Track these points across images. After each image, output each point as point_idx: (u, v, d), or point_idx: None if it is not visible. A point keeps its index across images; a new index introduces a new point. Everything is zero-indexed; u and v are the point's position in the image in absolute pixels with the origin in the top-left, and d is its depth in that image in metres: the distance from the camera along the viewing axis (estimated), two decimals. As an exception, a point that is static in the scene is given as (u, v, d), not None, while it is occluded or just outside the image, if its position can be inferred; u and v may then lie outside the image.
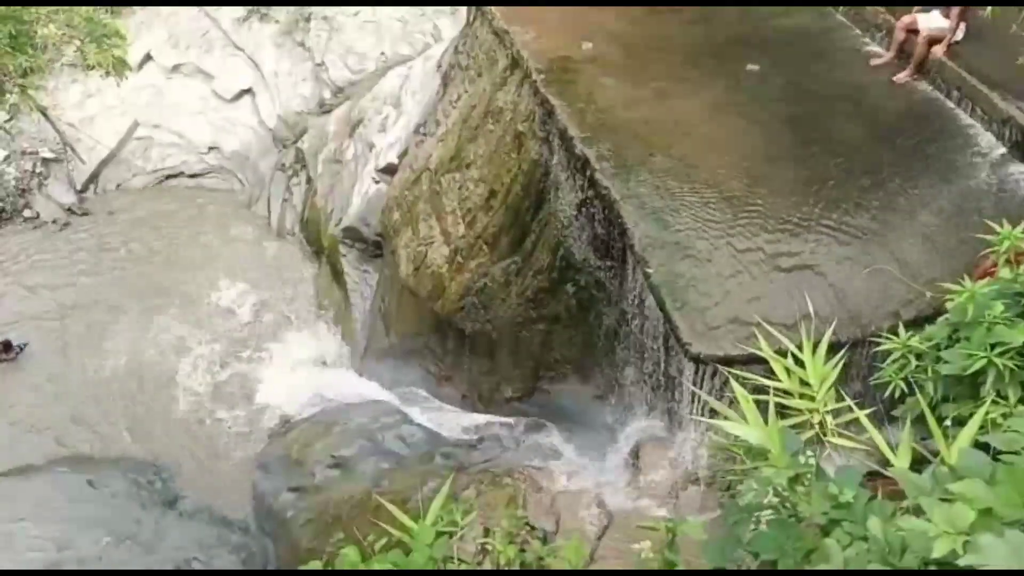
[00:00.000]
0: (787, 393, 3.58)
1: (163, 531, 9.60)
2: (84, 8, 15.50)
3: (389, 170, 12.23)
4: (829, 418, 3.45)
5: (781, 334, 4.42)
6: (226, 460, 10.89)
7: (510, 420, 9.11)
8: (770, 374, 3.66)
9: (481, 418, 9.60)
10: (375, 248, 12.44)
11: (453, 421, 9.85)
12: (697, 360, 6.05)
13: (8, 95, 15.31)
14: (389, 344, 11.42)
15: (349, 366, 11.76)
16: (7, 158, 15.36)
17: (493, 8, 9.62)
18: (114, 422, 11.51)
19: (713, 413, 5.65)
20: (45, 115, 15.16)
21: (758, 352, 3.97)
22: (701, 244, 6.76)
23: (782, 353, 3.74)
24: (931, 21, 8.17)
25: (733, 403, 3.44)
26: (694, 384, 6.21)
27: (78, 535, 9.31)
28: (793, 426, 3.36)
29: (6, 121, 15.52)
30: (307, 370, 11.96)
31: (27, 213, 15.20)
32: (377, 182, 12.46)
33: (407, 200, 10.92)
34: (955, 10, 7.95)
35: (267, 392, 11.62)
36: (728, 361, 5.62)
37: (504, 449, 8.63)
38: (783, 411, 3.48)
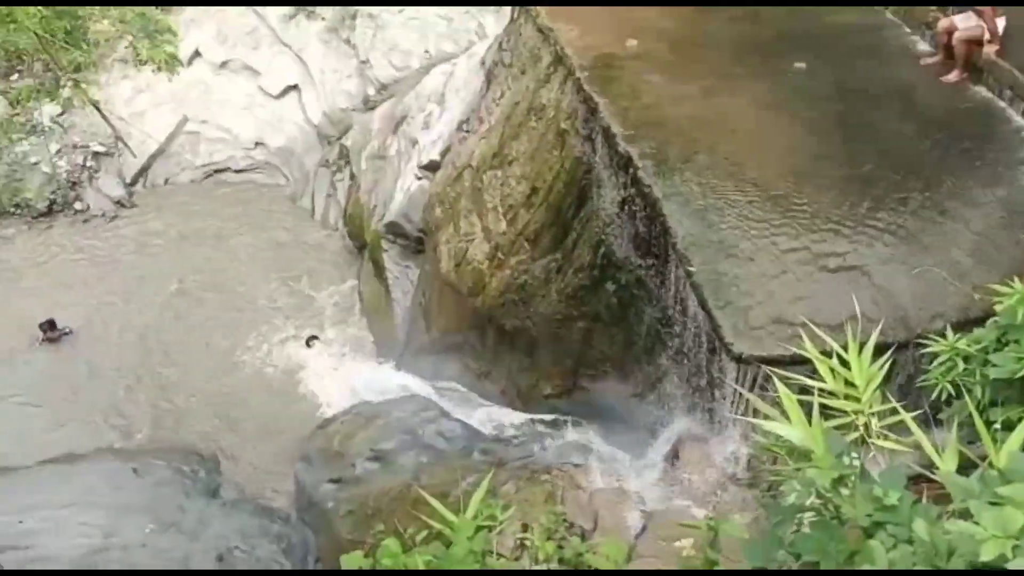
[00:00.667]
0: (831, 394, 3.54)
1: (206, 519, 9.77)
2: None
3: (432, 167, 12.31)
4: (874, 420, 3.41)
5: (826, 335, 4.36)
6: (268, 450, 11.06)
7: (549, 417, 9.13)
8: (813, 374, 3.62)
9: (520, 415, 9.63)
10: (417, 244, 12.52)
11: (492, 417, 9.89)
12: (739, 360, 5.99)
13: (61, 89, 15.69)
14: (429, 339, 11.50)
15: (389, 360, 11.86)
16: (59, 151, 15.74)
17: (538, 6, 9.62)
18: (155, 411, 11.76)
19: (755, 413, 5.61)
20: (98, 109, 15.47)
21: (802, 352, 3.92)
22: (745, 243, 6.69)
23: (827, 354, 3.69)
24: (964, 22, 8.06)
25: (776, 404, 3.41)
26: (735, 384, 6.16)
27: (123, 522, 9.51)
28: (837, 427, 3.32)
29: (59, 115, 15.90)
30: (348, 363, 12.11)
31: (78, 206, 15.58)
32: (419, 178, 12.54)
33: (449, 197, 10.98)
34: (984, 10, 7.85)
35: (309, 384, 11.81)
36: (771, 361, 5.56)
37: (542, 446, 8.64)
38: (827, 412, 3.44)
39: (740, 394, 6.12)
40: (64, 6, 14.51)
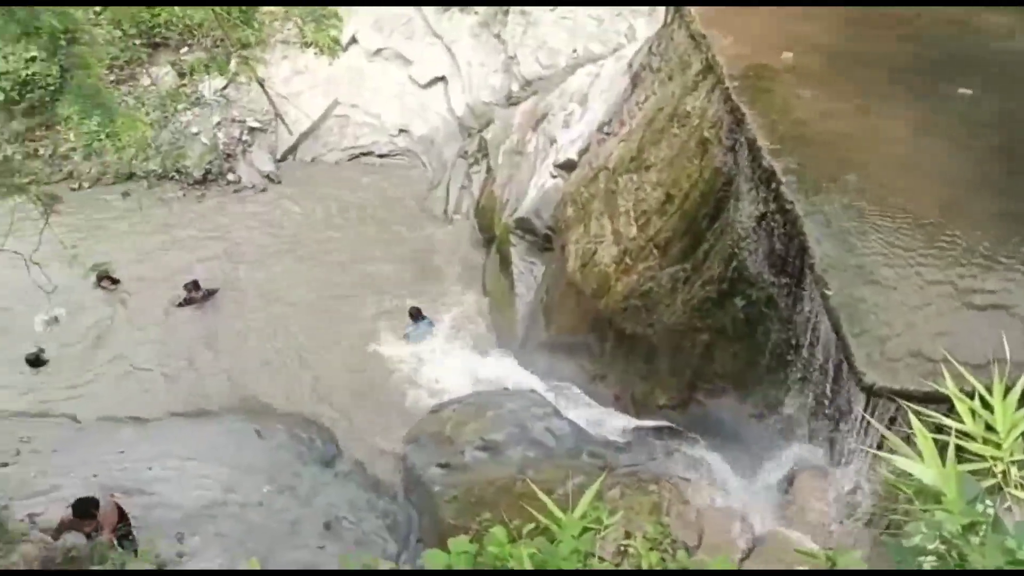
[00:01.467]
0: (969, 437, 3.35)
1: (318, 487, 10.16)
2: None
3: (568, 166, 12.34)
4: (1014, 469, 3.21)
5: (968, 373, 4.13)
6: (383, 429, 11.37)
7: (661, 427, 9.00)
8: (950, 414, 3.44)
9: (632, 421, 9.54)
10: (545, 241, 12.59)
11: (603, 420, 9.85)
12: (870, 391, 5.73)
13: (229, 65, 16.61)
14: (548, 337, 11.54)
15: (507, 353, 11.98)
16: (218, 124, 16.70)
17: (692, 10, 9.47)
18: (281, 377, 12.30)
19: (880, 447, 5.36)
20: (262, 86, 16.28)
21: (941, 390, 3.73)
22: (887, 271, 6.39)
23: (968, 394, 3.50)
24: None
25: (906, 440, 3.27)
26: (862, 417, 5.90)
27: (243, 479, 10.01)
28: (972, 472, 3.15)
29: (221, 90, 16.86)
30: (467, 352, 12.31)
31: (230, 176, 16.50)
32: (554, 176, 12.61)
33: (582, 197, 10.98)
34: None
35: (427, 368, 12.07)
36: (905, 395, 5.30)
37: (652, 456, 8.54)
38: (962, 455, 3.27)
39: (866, 426, 5.86)
40: (245, 5, 15.30)
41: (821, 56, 8.89)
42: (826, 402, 6.71)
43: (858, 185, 7.12)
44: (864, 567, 2.91)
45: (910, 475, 2.95)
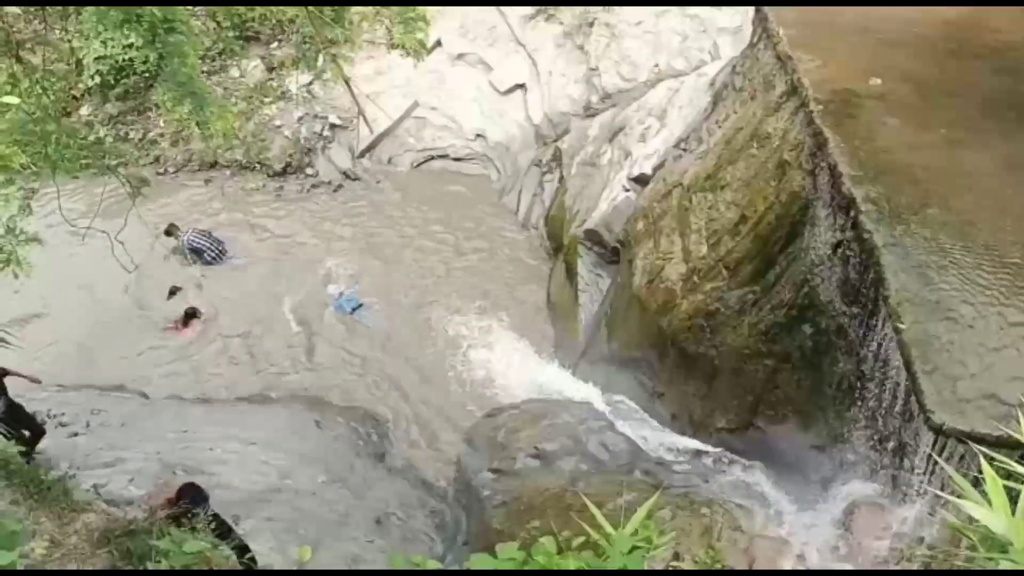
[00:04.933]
0: (1042, 486, 3.23)
1: (371, 481, 10.27)
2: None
3: (641, 180, 12.28)
4: (1089, 524, 3.07)
5: (1046, 421, 3.98)
6: (438, 428, 11.47)
7: (718, 450, 8.87)
8: (1023, 461, 3.31)
9: (688, 442, 9.42)
10: (612, 254, 12.54)
11: (659, 439, 9.75)
12: (939, 431, 5.56)
13: (317, 62, 16.98)
14: (608, 350, 11.49)
15: (567, 363, 11.97)
16: (301, 119, 17.07)
17: (780, 31, 9.33)
18: (348, 371, 12.48)
19: (945, 489, 5.19)
20: (348, 85, 16.56)
21: (1014, 435, 3.61)
22: (966, 309, 6.19)
23: (1045, 442, 3.37)
24: None
25: (972, 484, 3.16)
26: (928, 456, 5.73)
27: (299, 468, 10.16)
28: (1044, 523, 3.03)
29: (306, 85, 17.23)
30: (526, 360, 12.33)
31: (308, 171, 16.83)
32: (627, 190, 12.55)
33: (654, 212, 10.91)
34: None
35: (487, 371, 12.13)
36: (976, 438, 5.13)
37: (706, 478, 8.41)
38: (1033, 505, 3.15)
39: (932, 466, 5.68)
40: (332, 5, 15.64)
41: (910, 84, 8.67)
42: (891, 438, 6.53)
43: (941, 218, 6.93)
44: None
45: (976, 521, 2.86)
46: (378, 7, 16.78)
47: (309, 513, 9.34)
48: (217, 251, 14.28)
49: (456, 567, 8.34)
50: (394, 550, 8.66)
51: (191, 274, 13.78)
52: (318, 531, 9.00)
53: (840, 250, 7.36)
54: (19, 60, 8.50)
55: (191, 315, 13.14)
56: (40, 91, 9.29)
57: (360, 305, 13.52)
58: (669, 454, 9.34)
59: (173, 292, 13.55)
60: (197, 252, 14.16)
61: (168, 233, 14.19)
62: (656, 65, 14.90)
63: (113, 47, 15.89)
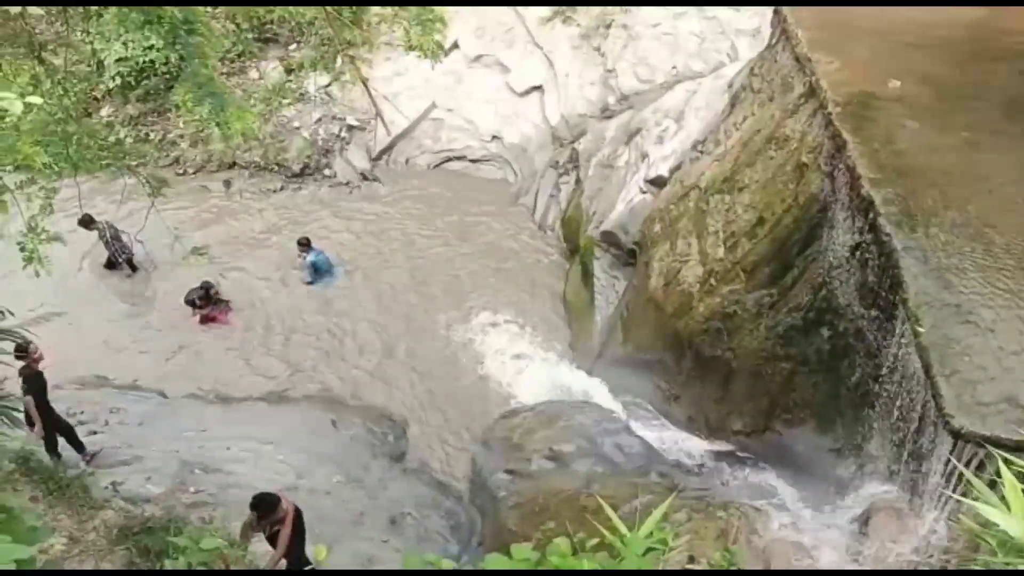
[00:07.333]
0: (1062, 491, 3.20)
1: (386, 482, 10.30)
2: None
3: (658, 182, 12.25)
4: (1108, 530, 3.05)
5: (1066, 426, 3.95)
6: (454, 429, 11.47)
7: (734, 453, 8.84)
8: (1043, 465, 3.29)
9: (704, 444, 9.40)
10: (628, 256, 12.52)
11: (674, 441, 9.73)
12: (957, 434, 5.52)
13: (335, 63, 17.05)
14: (624, 352, 11.47)
15: (583, 365, 11.95)
16: (319, 120, 17.15)
17: (800, 32, 9.29)
18: (365, 370, 12.51)
19: (963, 493, 5.15)
20: (366, 86, 16.61)
21: (1035, 439, 3.59)
22: (985, 312, 6.14)
23: (1065, 446, 3.35)
24: None
25: (992, 488, 3.14)
26: (946, 460, 5.69)
27: (315, 467, 10.21)
28: (1062, 528, 3.00)
29: (324, 87, 17.31)
30: (542, 361, 12.33)
31: (326, 172, 16.90)
32: (644, 192, 12.53)
33: (670, 214, 10.89)
34: None
35: (501, 373, 12.13)
36: (995, 442, 5.09)
37: (722, 481, 8.41)
38: (1053, 509, 3.12)
39: (951, 470, 5.64)
40: (351, 6, 15.68)
41: (930, 87, 8.62)
42: (909, 442, 6.48)
43: (960, 221, 6.88)
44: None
45: (995, 525, 2.84)
46: (396, 8, 16.81)
47: (324, 512, 9.37)
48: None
49: (471, 567, 8.35)
50: (409, 550, 8.68)
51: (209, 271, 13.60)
52: (333, 531, 9.03)
53: (858, 253, 7.33)
54: (41, 61, 8.59)
55: (206, 293, 13.07)
56: (62, 92, 9.38)
57: (332, 267, 13.91)
58: (685, 457, 9.33)
59: (205, 288, 13.27)
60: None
61: (84, 224, 13.33)
62: (673, 67, 14.87)
63: (134, 49, 16.05)
